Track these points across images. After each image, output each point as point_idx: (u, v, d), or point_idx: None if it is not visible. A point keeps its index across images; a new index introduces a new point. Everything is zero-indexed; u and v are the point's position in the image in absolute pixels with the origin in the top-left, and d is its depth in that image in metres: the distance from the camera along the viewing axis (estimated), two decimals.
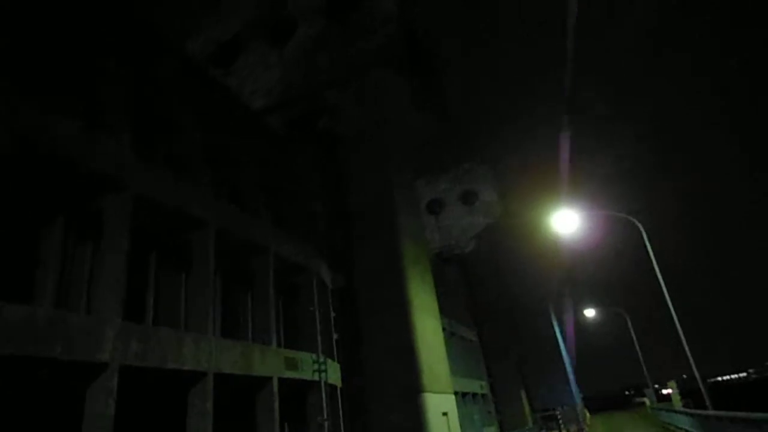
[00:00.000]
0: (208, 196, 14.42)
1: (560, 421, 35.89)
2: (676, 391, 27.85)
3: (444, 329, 34.79)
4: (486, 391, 41.30)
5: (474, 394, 37.32)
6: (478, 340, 45.31)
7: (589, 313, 51.02)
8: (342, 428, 19.28)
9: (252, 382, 14.73)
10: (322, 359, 17.76)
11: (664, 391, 64.90)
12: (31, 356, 8.57)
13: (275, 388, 14.97)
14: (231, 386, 14.66)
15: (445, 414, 22.45)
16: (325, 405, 17.37)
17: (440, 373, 23.36)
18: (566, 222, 20.84)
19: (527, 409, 44.78)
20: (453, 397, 24.24)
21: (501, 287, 51.59)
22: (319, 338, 18.26)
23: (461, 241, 52.92)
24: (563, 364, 49.80)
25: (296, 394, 17.81)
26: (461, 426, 28.26)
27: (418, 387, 20.72)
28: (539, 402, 45.57)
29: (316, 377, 17.24)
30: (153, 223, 13.39)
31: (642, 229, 19.84)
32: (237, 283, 17.07)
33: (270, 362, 15.01)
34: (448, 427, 22.39)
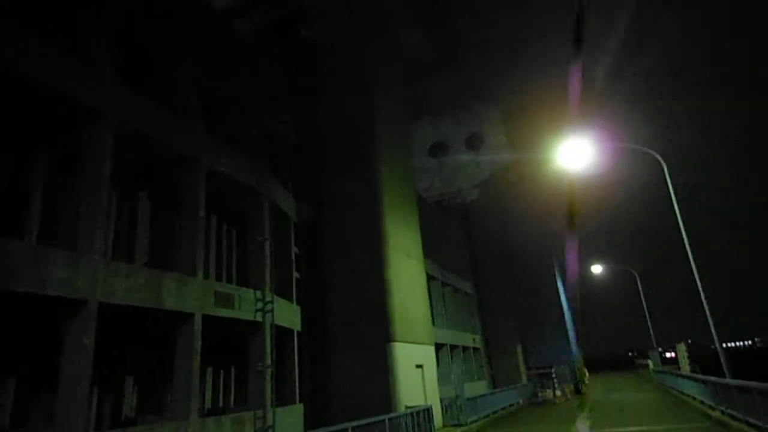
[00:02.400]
0: (107, 80, 11.33)
1: (554, 380, 33.67)
2: (685, 353, 25.09)
3: (435, 278, 32.28)
4: (479, 345, 39.09)
5: (465, 348, 35.10)
6: (474, 293, 42.80)
7: (597, 269, 48.14)
8: (296, 378, 16.83)
9: (167, 317, 12.09)
10: (269, 298, 15.08)
11: (668, 355, 62.83)
12: None
13: (197, 326, 12.33)
14: (138, 320, 12.06)
15: (420, 366, 19.96)
16: (269, 351, 14.81)
17: (417, 323, 20.74)
18: (574, 154, 17.60)
19: (522, 365, 42.68)
20: (432, 348, 21.72)
21: (503, 240, 48.64)
22: (267, 274, 15.54)
23: (464, 189, 49.71)
24: (564, 321, 47.37)
25: (238, 336, 15.26)
26: (447, 379, 26.03)
27: (387, 336, 18.12)
28: (536, 359, 43.43)
29: (259, 318, 14.61)
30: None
31: (663, 163, 16.55)
32: (166, 205, 14.22)
33: (192, 296, 12.31)
34: (423, 380, 19.95)
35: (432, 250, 32.20)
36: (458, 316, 35.89)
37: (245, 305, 14.21)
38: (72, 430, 9.14)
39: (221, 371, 16.33)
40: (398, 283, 19.61)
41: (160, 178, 13.74)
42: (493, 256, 47.33)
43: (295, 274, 18.60)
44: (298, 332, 17.83)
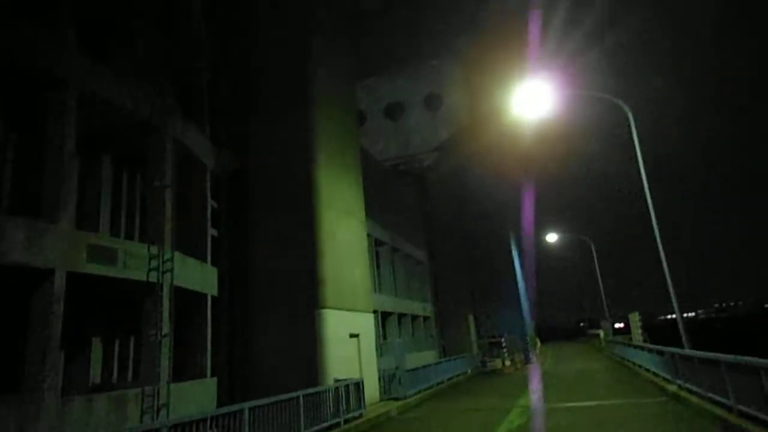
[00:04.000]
0: None
1: (505, 349, 32.69)
2: (638, 322, 24.12)
3: (385, 243, 30.35)
4: (430, 314, 37.72)
5: (415, 317, 33.60)
6: (428, 262, 41.24)
7: (552, 238, 47.36)
8: (207, 349, 14.61)
9: (18, 274, 9.60)
10: (167, 256, 12.69)
11: (618, 325, 63.63)
12: None
13: (58, 286, 9.88)
14: None
15: (356, 336, 18.06)
16: (167, 317, 12.50)
17: (354, 288, 18.74)
18: (533, 101, 15.67)
19: (473, 335, 41.69)
20: (371, 316, 19.82)
21: (459, 208, 47.02)
22: (167, 227, 13.09)
23: (421, 153, 47.61)
24: (518, 291, 46.58)
25: (135, 301, 12.87)
26: (392, 348, 24.36)
27: (316, 302, 16.04)
28: (488, 329, 42.50)
29: (153, 278, 12.23)
30: None
31: (629, 113, 14.81)
32: (32, 139, 11.48)
33: (51, 248, 9.81)
34: (359, 351, 18.07)
35: (384, 215, 30.25)
36: (409, 284, 34.26)
37: (134, 263, 11.79)
38: None
39: (117, 342, 13.95)
40: (333, 244, 17.47)
41: (17, 100, 10.94)
42: (449, 224, 45.76)
43: (212, 231, 16.19)
44: (213, 297, 15.55)
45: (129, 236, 14.07)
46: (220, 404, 14.29)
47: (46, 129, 10.62)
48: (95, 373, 13.22)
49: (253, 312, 16.65)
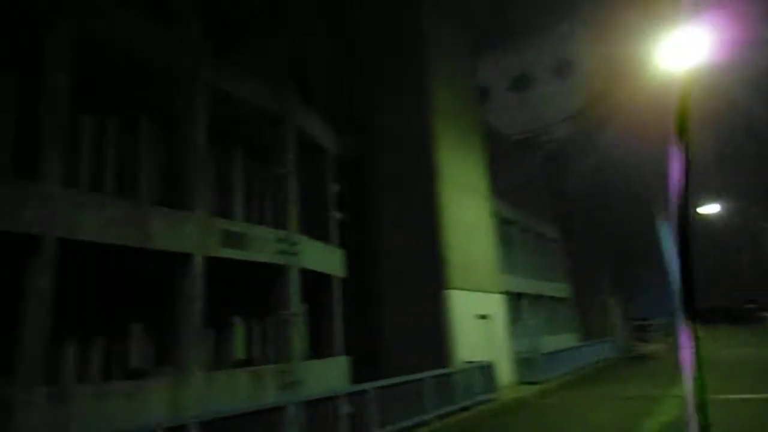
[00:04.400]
0: None
1: (653, 332, 29.70)
2: None
3: (513, 222, 29.09)
4: (566, 295, 35.58)
5: (550, 298, 31.88)
6: (561, 239, 38.83)
7: (711, 209, 41.88)
8: (336, 329, 15.04)
9: (164, 259, 10.52)
10: (294, 239, 13.17)
11: None
12: None
13: (198, 269, 10.67)
14: (132, 263, 10.58)
15: (484, 317, 17.45)
16: (295, 297, 13.02)
17: (481, 268, 18.09)
18: (684, 51, 13.57)
19: (617, 317, 38.54)
20: (499, 297, 19.03)
21: (596, 179, 43.48)
22: (292, 211, 13.58)
23: (550, 124, 44.79)
24: (667, 268, 42.00)
25: (264, 281, 13.59)
26: (526, 331, 23.40)
27: (441, 282, 15.71)
28: (633, 310, 39.03)
29: (281, 260, 12.77)
30: None
31: None
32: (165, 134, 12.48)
33: (189, 234, 10.61)
34: (489, 332, 17.45)
35: (513, 192, 28.98)
36: (541, 263, 32.54)
37: (264, 246, 12.39)
38: (32, 380, 7.84)
39: (256, 322, 14.89)
40: (456, 223, 16.97)
41: (151, 100, 11.91)
42: (585, 198, 42.61)
43: (337, 215, 16.55)
44: (341, 279, 15.94)
45: (260, 222, 14.86)
46: (353, 383, 14.66)
47: (180, 125, 11.47)
48: (239, 351, 14.22)
49: (378, 293, 16.80)
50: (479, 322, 17.06)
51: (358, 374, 15.56)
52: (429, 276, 15.87)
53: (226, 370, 11.60)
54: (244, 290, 14.46)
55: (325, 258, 15.07)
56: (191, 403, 9.90)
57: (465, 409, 12.88)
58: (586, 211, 42.08)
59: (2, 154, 9.38)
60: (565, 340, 29.89)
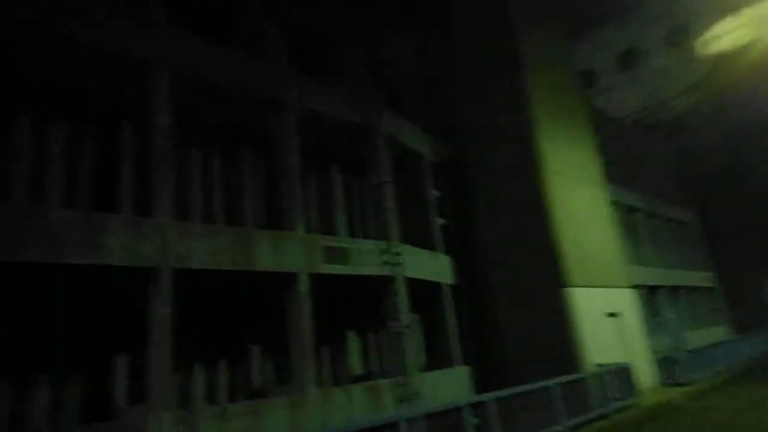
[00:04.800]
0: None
1: None
2: None
3: (638, 209, 26.61)
4: (711, 284, 31.72)
5: (691, 288, 28.58)
6: (696, 223, 34.80)
7: None
8: (451, 337, 14.50)
9: (272, 280, 10.78)
10: (396, 249, 12.94)
11: None
12: None
13: (303, 288, 10.78)
14: (242, 285, 10.96)
15: (613, 315, 15.90)
16: (403, 307, 12.72)
17: (602, 262, 16.57)
18: None
19: None
20: (629, 292, 17.27)
21: (731, 153, 38.56)
22: (392, 221, 13.37)
23: (668, 98, 40.71)
24: None
25: (372, 295, 13.49)
26: (666, 327, 21.12)
27: (558, 280, 14.57)
28: None
29: (385, 271, 12.58)
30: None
31: None
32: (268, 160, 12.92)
33: (292, 254, 10.77)
34: (621, 331, 15.85)
35: (633, 177, 26.64)
36: (677, 251, 29.35)
37: (365, 259, 12.29)
38: (160, 404, 8.28)
39: (369, 336, 14.84)
40: (568, 216, 15.73)
41: (248, 128, 12.38)
42: (720, 175, 38.00)
43: (439, 220, 16.10)
44: (451, 286, 15.43)
45: (363, 235, 14.84)
46: (476, 393, 14.03)
47: (276, 148, 11.80)
48: (355, 365, 14.22)
49: (491, 298, 15.98)
50: (609, 321, 15.56)
51: (481, 384, 14.87)
52: (544, 275, 14.79)
53: (343, 386, 11.54)
54: (356, 304, 14.48)
55: (431, 266, 14.65)
56: (309, 421, 9.93)
57: (602, 417, 11.67)
58: (725, 189, 37.47)
59: (119, 193, 10.16)
60: (713, 334, 26.54)
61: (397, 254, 12.86)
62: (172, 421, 8.34)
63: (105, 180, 10.33)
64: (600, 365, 13.35)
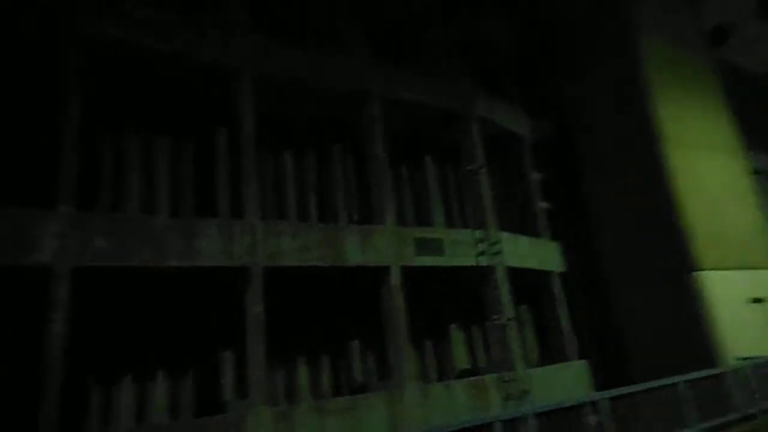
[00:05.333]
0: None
1: None
2: None
3: None
4: None
5: None
6: None
7: None
8: (564, 330, 13.42)
9: (367, 274, 10.67)
10: (494, 238, 12.20)
11: None
12: None
13: (395, 281, 10.52)
14: (323, 282, 10.97)
15: (760, 301, 13.73)
16: (504, 298, 11.96)
17: (741, 241, 14.35)
18: None
19: None
20: None
21: None
22: (488, 208, 12.63)
23: None
24: None
25: (473, 287, 12.91)
26: None
27: (687, 263, 12.84)
28: None
29: (483, 261, 11.91)
30: None
31: None
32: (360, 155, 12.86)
33: (381, 247, 10.56)
34: None
35: None
36: None
37: (461, 249, 11.72)
38: (259, 400, 8.51)
39: (472, 329, 14.25)
40: (695, 189, 13.82)
41: (335, 124, 12.39)
42: None
43: (544, 204, 15.00)
44: (561, 274, 14.31)
45: (460, 224, 14.26)
46: (597, 389, 12.88)
47: (365, 146, 11.68)
48: (461, 360, 13.72)
49: (609, 285, 14.55)
50: (755, 308, 13.44)
51: (601, 380, 13.63)
52: (670, 258, 13.13)
53: (445, 381, 11.12)
54: (458, 297, 13.98)
55: (536, 253, 13.66)
56: (408, 418, 9.66)
57: (746, 418, 10.05)
58: None
59: (209, 197, 10.65)
60: None
61: (496, 243, 12.13)
62: (271, 416, 8.51)
63: (204, 186, 10.89)
64: (744, 359, 11.56)
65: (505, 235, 12.53)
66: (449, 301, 13.81)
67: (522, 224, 13.97)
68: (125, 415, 9.13)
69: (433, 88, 12.86)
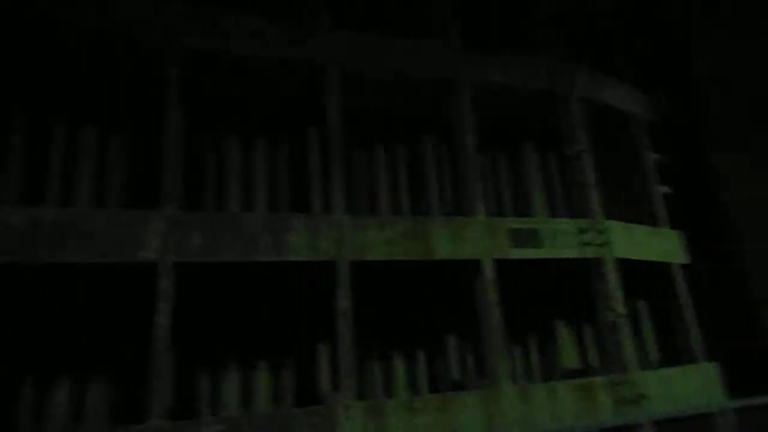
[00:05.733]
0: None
1: None
2: None
3: None
4: None
5: None
6: None
7: None
8: (690, 329, 11.94)
9: (457, 268, 10.30)
10: (601, 227, 11.16)
11: None
12: None
13: (489, 275, 10.00)
14: (414, 275, 10.70)
15: None
16: (615, 293, 10.87)
17: None
18: None
19: None
20: None
21: None
22: (592, 195, 11.57)
23: None
24: None
25: (577, 279, 11.95)
26: None
27: None
28: None
29: (588, 253, 10.93)
30: None
31: None
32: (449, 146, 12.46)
33: (472, 239, 10.09)
34: None
35: None
36: None
37: (563, 240, 10.86)
38: (350, 393, 8.54)
39: (580, 327, 13.22)
40: None
41: (424, 115, 12.08)
42: None
43: (663, 189, 13.48)
44: (684, 265, 12.77)
45: (568, 214, 13.28)
46: (732, 396, 11.30)
47: (452, 134, 11.29)
48: (568, 359, 12.79)
49: (744, 278, 12.69)
50: None
51: (737, 385, 11.97)
52: None
53: (548, 383, 10.40)
54: (565, 292, 13.06)
55: (652, 243, 12.29)
56: (504, 420, 9.14)
57: None
58: None
59: (303, 194, 10.89)
60: None
61: (601, 232, 11.08)
62: (362, 410, 8.49)
63: (298, 183, 11.21)
64: None
65: (612, 223, 11.41)
66: (554, 296, 12.94)
67: (635, 211, 12.65)
68: (231, 402, 9.66)
69: (526, 69, 12.06)
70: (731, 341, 12.53)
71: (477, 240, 10.11)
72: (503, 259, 10.22)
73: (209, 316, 9.94)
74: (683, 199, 13.85)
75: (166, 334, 8.01)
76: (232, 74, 10.26)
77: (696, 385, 11.41)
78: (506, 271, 11.10)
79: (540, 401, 9.68)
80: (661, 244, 12.46)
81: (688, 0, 14.53)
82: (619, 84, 13.77)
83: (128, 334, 9.47)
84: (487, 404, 9.27)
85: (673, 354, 12.23)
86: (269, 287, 10.08)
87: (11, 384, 8.86)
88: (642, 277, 12.13)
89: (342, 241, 9.15)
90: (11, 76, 9.85)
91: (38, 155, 10.00)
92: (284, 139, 11.35)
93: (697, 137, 13.93)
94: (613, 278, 10.99)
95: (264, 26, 9.99)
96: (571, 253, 10.79)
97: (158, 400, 7.63)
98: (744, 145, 12.92)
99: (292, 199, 11.07)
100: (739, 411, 7.16)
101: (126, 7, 9.20)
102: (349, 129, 11.77)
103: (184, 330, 9.77)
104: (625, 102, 13.61)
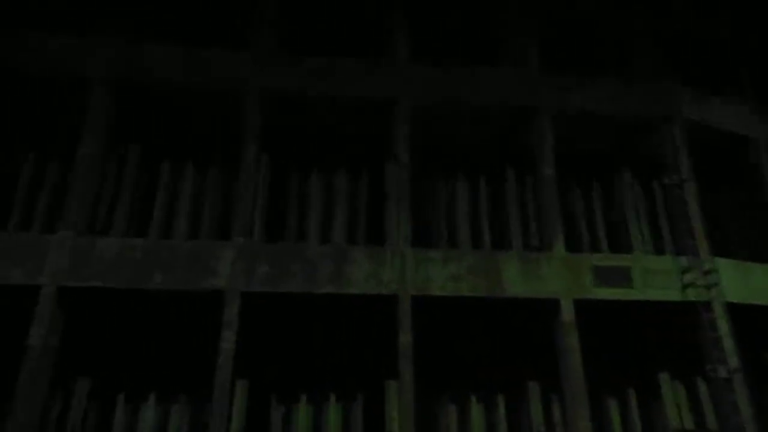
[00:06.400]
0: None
1: None
2: None
3: None
4: None
5: None
6: None
7: None
8: None
9: (529, 307, 9.55)
10: (707, 266, 9.72)
11: None
12: None
13: (567, 316, 9.09)
14: (483, 313, 10.02)
15: None
16: (727, 344, 9.31)
17: None
18: None
19: None
20: None
21: None
22: (697, 230, 10.16)
23: None
24: None
25: (681, 326, 10.48)
26: None
27: None
28: None
29: (690, 296, 9.53)
30: None
31: None
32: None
33: (548, 276, 9.29)
34: None
35: None
36: None
37: (658, 280, 9.60)
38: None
39: (695, 380, 11.51)
40: None
41: (501, 144, 11.55)
42: None
43: None
44: None
45: (658, 251, 11.83)
46: None
47: (532, 157, 10.72)
48: (675, 418, 11.13)
49: None
50: None
51: None
52: None
53: None
54: (668, 340, 11.54)
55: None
56: None
57: None
58: None
59: (378, 226, 10.85)
60: None
61: (708, 272, 9.63)
62: None
63: (374, 216, 11.26)
64: None
65: (722, 261, 9.90)
66: (658, 346, 11.48)
67: (755, 248, 10.90)
68: None
69: (619, 93, 11.12)
70: None
71: (554, 277, 9.30)
72: (586, 299, 9.26)
73: (283, 346, 10.15)
74: None
75: (230, 361, 8.24)
76: (308, 112, 10.68)
77: None
78: (592, 313, 10.07)
79: None
80: None
81: None
82: (737, 105, 12.20)
83: (208, 357, 9.95)
84: None
85: None
86: (328, 318, 10.09)
87: (103, 401, 9.66)
88: (764, 325, 10.31)
89: (405, 273, 8.91)
90: (129, 123, 11.07)
91: (143, 190, 11.10)
92: (363, 170, 11.51)
93: None
94: (724, 326, 9.46)
95: (338, 62, 10.34)
96: (671, 296, 9.49)
97: (216, 426, 7.82)
98: None
99: (368, 230, 11.12)
100: None
101: (220, 62, 10.05)
102: (422, 160, 11.64)
103: (260, 359, 10.05)
104: (742, 125, 11.99)
